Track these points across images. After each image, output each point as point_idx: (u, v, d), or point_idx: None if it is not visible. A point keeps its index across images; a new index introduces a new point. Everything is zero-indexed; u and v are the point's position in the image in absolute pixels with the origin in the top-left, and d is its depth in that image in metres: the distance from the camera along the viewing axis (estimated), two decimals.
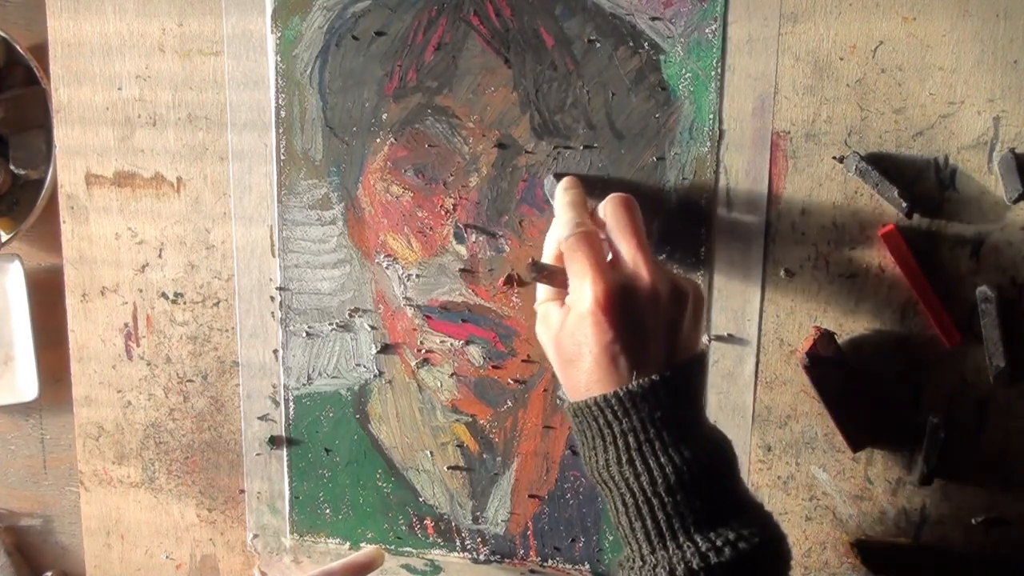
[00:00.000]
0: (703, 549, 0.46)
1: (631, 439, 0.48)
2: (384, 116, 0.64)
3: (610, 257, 0.53)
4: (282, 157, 0.66)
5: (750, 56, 0.59)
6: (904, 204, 0.57)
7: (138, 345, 0.72)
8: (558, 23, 0.61)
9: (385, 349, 0.68)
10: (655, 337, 0.50)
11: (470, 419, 0.67)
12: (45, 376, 0.77)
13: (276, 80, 0.65)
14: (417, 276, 0.66)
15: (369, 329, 0.67)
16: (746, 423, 0.63)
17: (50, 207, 0.73)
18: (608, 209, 0.54)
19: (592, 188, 0.60)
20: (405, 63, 0.63)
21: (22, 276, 0.76)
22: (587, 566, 0.67)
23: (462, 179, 0.64)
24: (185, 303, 0.70)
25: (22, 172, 0.75)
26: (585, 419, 0.50)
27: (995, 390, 0.59)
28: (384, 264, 0.66)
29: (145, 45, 0.67)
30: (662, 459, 0.48)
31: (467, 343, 0.66)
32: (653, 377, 0.48)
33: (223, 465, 0.72)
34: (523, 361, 0.65)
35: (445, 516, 0.69)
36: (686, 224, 0.61)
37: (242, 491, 0.72)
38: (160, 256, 0.70)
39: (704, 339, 0.62)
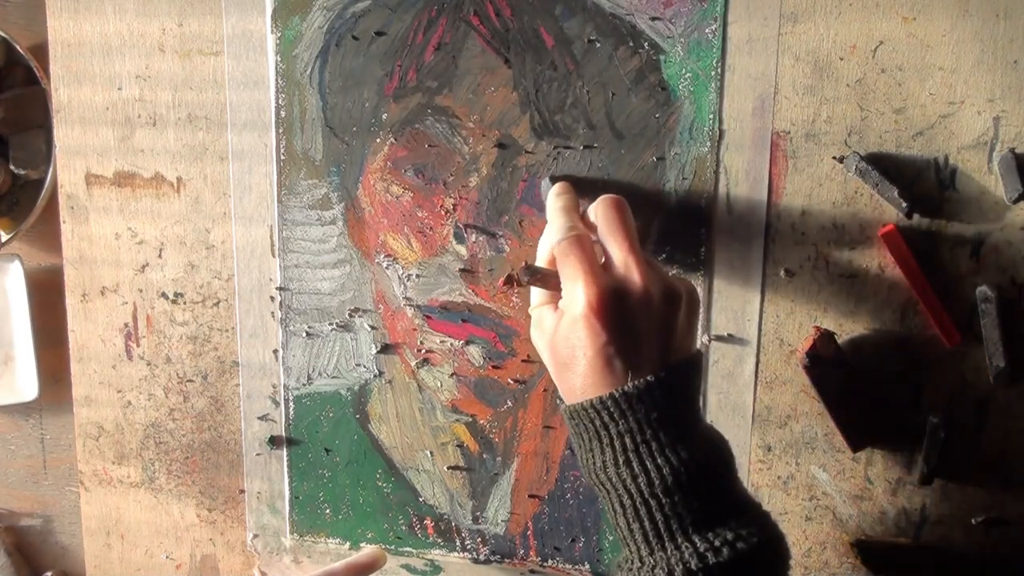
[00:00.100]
0: (701, 550, 0.46)
1: (628, 440, 0.48)
2: (384, 116, 0.64)
3: (603, 260, 0.53)
4: (282, 157, 0.66)
5: (750, 56, 0.59)
6: (904, 204, 0.57)
7: (138, 345, 0.72)
8: (558, 23, 0.61)
9: (385, 349, 0.68)
10: (648, 339, 0.50)
11: (470, 419, 0.67)
12: (45, 376, 0.77)
13: (276, 80, 0.65)
14: (417, 276, 0.66)
15: (369, 329, 0.68)
16: (746, 423, 0.63)
17: (50, 207, 0.73)
18: (599, 211, 0.54)
19: (591, 190, 0.60)
20: (405, 63, 0.63)
21: (22, 276, 0.76)
22: (587, 566, 0.67)
23: (462, 179, 0.64)
24: (185, 303, 0.70)
25: (22, 172, 0.75)
26: (581, 421, 0.50)
27: (995, 390, 0.59)
28: (384, 264, 0.66)
29: (145, 45, 0.67)
30: (659, 460, 0.48)
31: (467, 343, 0.66)
32: (648, 378, 0.48)
33: (223, 465, 0.72)
34: (523, 361, 0.65)
35: (445, 516, 0.69)
36: (686, 224, 0.61)
37: (242, 491, 0.72)
38: (160, 256, 0.70)
39: (704, 339, 0.62)
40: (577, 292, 0.50)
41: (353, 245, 0.67)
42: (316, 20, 0.64)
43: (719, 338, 0.62)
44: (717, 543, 0.46)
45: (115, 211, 0.70)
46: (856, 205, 0.59)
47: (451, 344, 0.66)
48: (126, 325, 0.72)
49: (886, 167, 0.57)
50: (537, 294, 0.56)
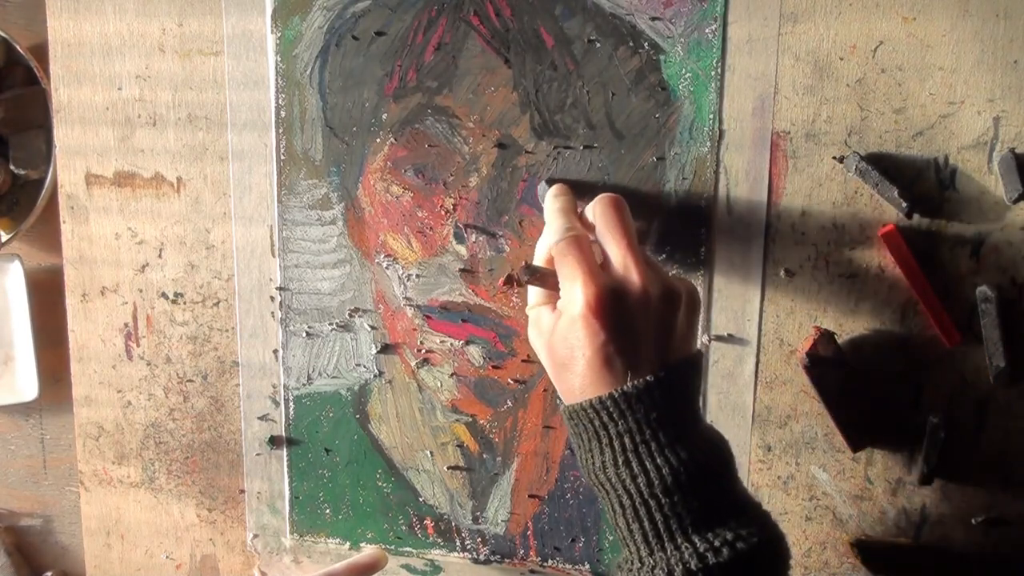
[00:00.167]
0: (701, 550, 0.46)
1: (627, 441, 0.48)
2: (384, 116, 0.64)
3: (602, 260, 0.53)
4: (282, 157, 0.66)
5: (750, 56, 0.59)
6: (904, 204, 0.57)
7: (138, 345, 0.72)
8: (558, 23, 0.61)
9: (385, 349, 0.68)
10: (647, 338, 0.50)
11: (470, 419, 0.67)
12: (45, 376, 0.77)
13: (276, 80, 0.65)
14: (417, 276, 0.66)
15: (369, 329, 0.68)
16: (746, 423, 0.63)
17: (50, 207, 0.73)
18: (597, 210, 0.54)
19: (589, 193, 0.60)
20: (405, 63, 0.63)
21: (22, 276, 0.76)
22: (587, 566, 0.67)
23: (462, 179, 0.64)
24: (185, 303, 0.70)
25: (22, 172, 0.75)
26: (580, 422, 0.50)
27: (995, 390, 0.59)
28: (384, 264, 0.66)
29: (145, 45, 0.67)
30: (658, 460, 0.48)
31: (467, 343, 0.66)
32: (647, 378, 0.48)
33: (223, 465, 0.72)
34: (523, 361, 0.65)
35: (445, 516, 0.69)
36: (686, 224, 0.61)
37: (242, 491, 0.72)
38: (160, 256, 0.70)
39: (704, 339, 0.62)
40: (575, 292, 0.50)
41: (353, 245, 0.67)
42: (316, 20, 0.64)
43: (719, 338, 0.62)
44: (717, 543, 0.46)
45: (115, 211, 0.70)
46: (856, 205, 0.59)
47: (451, 344, 0.66)
48: (126, 325, 0.72)
49: (886, 167, 0.57)
50: (534, 294, 0.56)
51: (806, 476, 0.63)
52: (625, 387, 0.48)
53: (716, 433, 0.52)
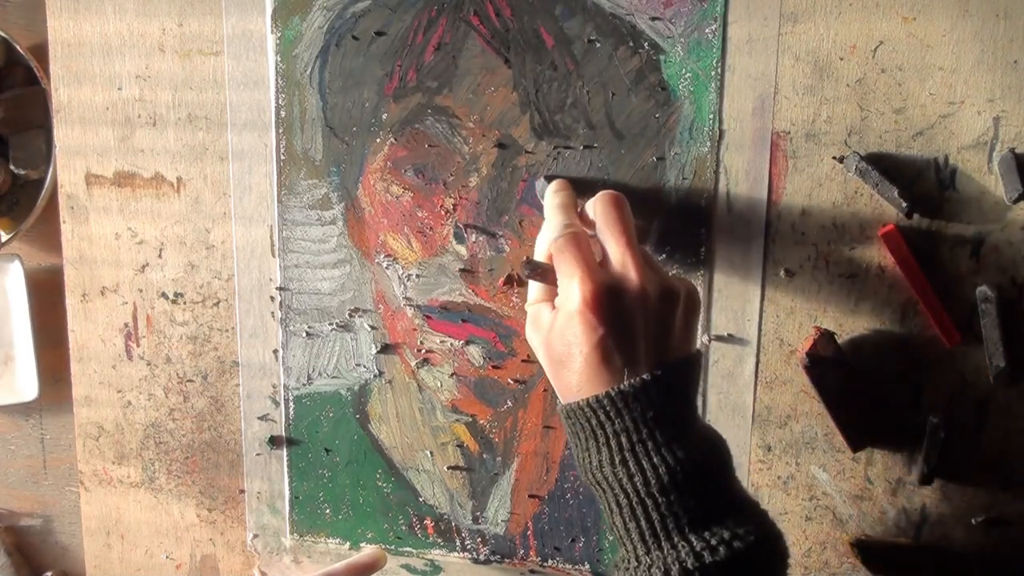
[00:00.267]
0: (698, 548, 0.46)
1: (624, 439, 0.48)
2: (384, 116, 0.64)
3: (600, 257, 0.53)
4: (282, 157, 0.66)
5: (750, 56, 0.59)
6: (904, 204, 0.57)
7: (138, 345, 0.72)
8: (558, 23, 0.61)
9: (385, 349, 0.68)
10: (645, 336, 0.50)
11: (470, 419, 0.67)
12: (45, 376, 0.77)
13: (276, 80, 0.65)
14: (417, 276, 0.66)
15: (369, 329, 0.68)
16: (746, 423, 0.63)
17: (50, 207, 0.73)
18: (598, 207, 0.54)
19: (589, 190, 0.60)
20: (405, 63, 0.63)
21: (22, 276, 0.76)
22: (587, 566, 0.67)
23: (462, 179, 0.64)
24: (185, 303, 0.70)
25: (22, 172, 0.75)
26: (577, 421, 0.50)
27: (995, 390, 0.59)
28: (384, 264, 0.66)
29: (145, 45, 0.67)
30: (655, 459, 0.48)
31: (467, 343, 0.66)
32: (644, 376, 0.48)
33: (223, 465, 0.72)
34: (523, 361, 0.65)
35: (445, 516, 0.69)
36: (686, 224, 0.61)
37: (242, 491, 0.72)
38: (160, 256, 0.70)
39: (704, 339, 0.62)
40: (573, 288, 0.50)
41: (353, 245, 0.67)
42: (316, 20, 0.64)
43: (719, 338, 0.62)
44: (714, 542, 0.46)
45: (115, 211, 0.70)
46: (856, 205, 0.59)
47: (451, 344, 0.66)
48: (126, 325, 0.72)
49: (886, 167, 0.57)
50: (534, 291, 0.56)
51: (806, 476, 0.63)
52: (622, 386, 0.48)
53: (713, 432, 0.52)
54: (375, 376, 0.68)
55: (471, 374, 0.67)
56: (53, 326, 0.75)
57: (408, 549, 0.70)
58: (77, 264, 0.71)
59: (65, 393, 0.75)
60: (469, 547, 0.69)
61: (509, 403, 0.66)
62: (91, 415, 0.74)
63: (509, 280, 0.65)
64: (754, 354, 0.62)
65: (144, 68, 0.67)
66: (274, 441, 0.71)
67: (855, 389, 0.60)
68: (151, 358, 0.72)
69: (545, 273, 0.55)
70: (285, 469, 0.71)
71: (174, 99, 0.67)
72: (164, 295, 0.70)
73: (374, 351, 0.68)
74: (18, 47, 0.72)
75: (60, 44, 0.69)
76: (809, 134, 0.59)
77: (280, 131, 0.66)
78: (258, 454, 0.71)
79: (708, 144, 0.60)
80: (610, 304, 0.49)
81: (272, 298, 0.69)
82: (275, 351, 0.69)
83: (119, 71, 0.68)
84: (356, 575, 0.68)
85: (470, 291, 0.65)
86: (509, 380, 0.66)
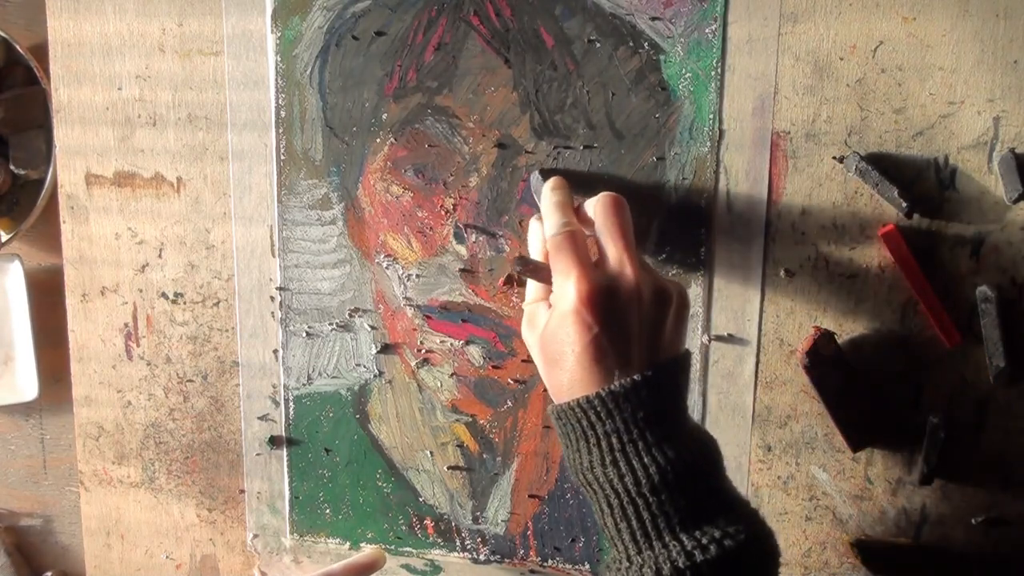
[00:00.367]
0: (689, 547, 0.46)
1: (614, 440, 0.48)
2: (384, 116, 0.64)
3: (596, 257, 0.53)
4: (282, 157, 0.66)
5: (750, 56, 0.59)
6: (904, 204, 0.57)
7: (138, 345, 0.72)
8: (558, 23, 0.61)
9: (385, 349, 0.68)
10: (637, 337, 0.50)
11: (470, 419, 0.67)
12: (45, 376, 0.77)
13: (276, 80, 0.65)
14: (417, 276, 0.66)
15: (369, 329, 0.68)
16: (746, 423, 0.63)
17: (50, 207, 0.73)
18: (598, 208, 0.54)
19: (587, 186, 0.60)
20: (405, 63, 0.63)
21: (22, 276, 0.76)
22: (587, 566, 0.67)
23: (462, 179, 0.64)
24: (185, 303, 0.70)
25: (22, 172, 0.75)
26: (568, 421, 0.50)
27: (995, 390, 0.59)
28: (384, 264, 0.66)
29: (145, 45, 0.67)
30: (646, 459, 0.48)
31: (467, 343, 0.66)
32: (635, 377, 0.48)
33: (223, 465, 0.72)
34: (523, 361, 0.65)
35: (445, 516, 0.69)
36: (686, 224, 0.61)
37: (242, 491, 0.72)
38: (160, 256, 0.70)
39: (704, 339, 0.62)
40: (568, 287, 0.50)
41: (353, 245, 0.67)
42: (316, 20, 0.64)
43: (719, 338, 0.62)
44: (705, 541, 0.46)
45: (115, 211, 0.70)
46: (856, 205, 0.59)
47: (451, 344, 0.66)
48: (126, 325, 0.72)
49: (886, 167, 0.57)
50: (532, 291, 0.56)
51: (806, 476, 0.63)
52: (613, 386, 0.48)
53: (704, 432, 0.52)
54: (375, 376, 0.68)
55: (471, 374, 0.67)
56: (53, 326, 0.75)
57: (408, 549, 0.70)
58: (77, 264, 0.71)
59: (65, 393, 0.75)
60: (469, 547, 0.69)
61: (509, 403, 0.66)
62: (91, 415, 0.74)
63: (509, 280, 0.65)
64: (754, 354, 0.62)
65: (144, 68, 0.67)
66: (274, 441, 0.71)
67: (855, 389, 0.60)
68: (151, 358, 0.72)
69: (537, 270, 0.55)
70: (285, 469, 0.71)
71: (174, 99, 0.67)
72: (164, 295, 0.70)
73: (374, 351, 0.68)
74: (18, 47, 0.72)
75: (60, 44, 0.69)
76: (809, 134, 0.59)
77: (280, 131, 0.66)
78: (258, 454, 0.71)
79: (708, 144, 0.60)
80: (605, 303, 0.49)
81: (272, 298, 0.69)
82: (275, 351, 0.69)
83: (119, 71, 0.68)
84: (356, 575, 0.68)
85: (470, 291, 0.65)
86: (509, 380, 0.66)
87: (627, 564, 0.48)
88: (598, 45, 0.60)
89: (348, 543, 0.71)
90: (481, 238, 0.65)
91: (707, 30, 0.59)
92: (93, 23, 0.68)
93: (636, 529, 0.48)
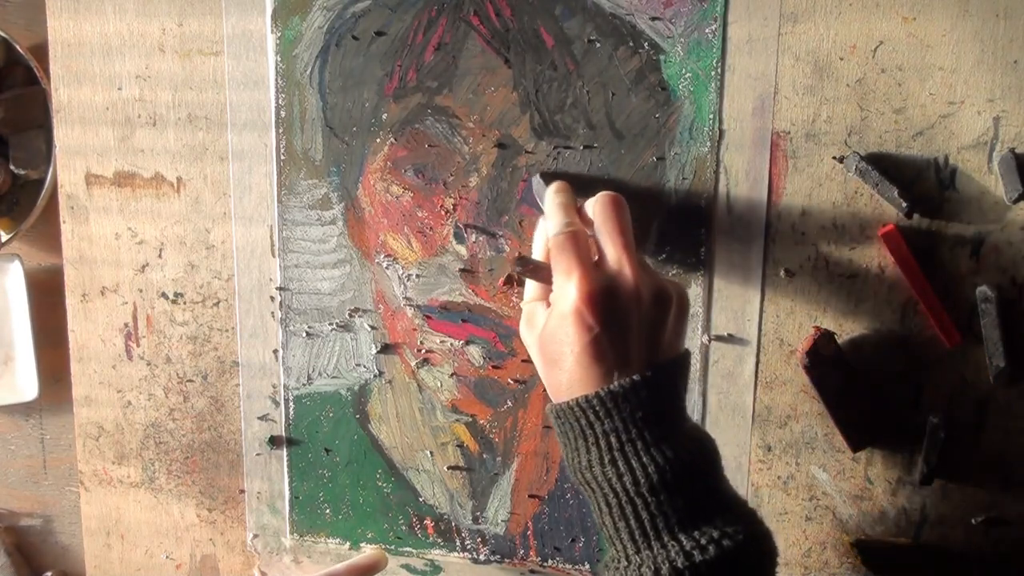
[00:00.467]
0: (687, 547, 0.46)
1: (613, 439, 0.49)
2: (384, 116, 0.64)
3: (596, 257, 0.53)
4: (282, 157, 0.66)
5: (750, 56, 0.59)
6: (904, 204, 0.57)
7: (138, 345, 0.72)
8: (558, 23, 0.61)
9: (385, 349, 0.68)
10: (637, 338, 0.50)
11: (470, 419, 0.67)
12: (45, 376, 0.77)
13: (276, 80, 0.65)
14: (417, 276, 0.66)
15: (369, 329, 0.68)
16: (746, 423, 0.63)
17: (50, 207, 0.73)
18: (597, 208, 0.54)
19: (588, 188, 0.60)
20: (405, 63, 0.63)
21: (22, 276, 0.76)
22: (587, 566, 0.67)
23: (462, 179, 0.64)
24: (185, 303, 0.70)
25: (22, 172, 0.75)
26: (567, 420, 0.50)
27: (995, 390, 0.59)
28: (384, 264, 0.66)
29: (145, 45, 0.67)
30: (644, 459, 0.48)
31: (467, 343, 0.66)
32: (634, 377, 0.48)
33: (223, 465, 0.72)
34: (523, 361, 0.65)
35: (445, 516, 0.69)
36: (686, 224, 0.61)
37: (242, 491, 0.72)
38: (160, 256, 0.70)
39: (704, 339, 0.62)
40: (568, 287, 0.50)
41: (353, 245, 0.67)
42: (316, 20, 0.64)
43: (719, 338, 0.62)
44: (703, 541, 0.46)
45: (115, 211, 0.70)
46: (856, 205, 0.59)
47: (451, 344, 0.66)
48: (126, 325, 0.72)
49: (886, 167, 0.58)
50: (531, 290, 0.56)
51: (806, 476, 0.63)
52: (612, 386, 0.48)
53: (702, 432, 0.52)
54: (375, 376, 0.68)
55: (471, 374, 0.67)
56: (53, 326, 0.75)
57: (408, 549, 0.70)
58: (77, 264, 0.71)
59: (65, 393, 0.75)
60: (469, 547, 0.69)
61: (509, 403, 0.66)
62: (91, 415, 0.74)
63: (509, 280, 0.65)
64: (754, 354, 0.62)
65: (144, 68, 0.67)
66: (274, 441, 0.71)
67: (855, 389, 0.60)
68: (151, 358, 0.72)
69: (537, 270, 0.55)
70: (285, 469, 0.71)
71: (174, 99, 0.67)
72: (164, 295, 0.70)
73: (374, 351, 0.68)
74: (18, 47, 0.72)
75: (60, 44, 0.69)
76: (809, 134, 0.59)
77: (280, 131, 0.66)
78: (258, 454, 0.71)
79: (708, 144, 0.60)
80: (604, 304, 0.50)
81: (272, 298, 0.69)
82: (275, 351, 0.69)
83: (119, 71, 0.68)
84: None
85: (470, 291, 0.65)
86: (509, 380, 0.66)
87: (625, 563, 0.48)
88: (598, 45, 0.60)
89: (348, 543, 0.71)
90: (481, 238, 0.65)
91: (707, 30, 0.59)
92: (93, 23, 0.68)
93: (635, 528, 0.48)
